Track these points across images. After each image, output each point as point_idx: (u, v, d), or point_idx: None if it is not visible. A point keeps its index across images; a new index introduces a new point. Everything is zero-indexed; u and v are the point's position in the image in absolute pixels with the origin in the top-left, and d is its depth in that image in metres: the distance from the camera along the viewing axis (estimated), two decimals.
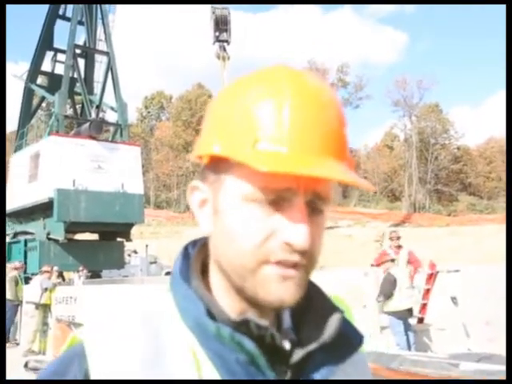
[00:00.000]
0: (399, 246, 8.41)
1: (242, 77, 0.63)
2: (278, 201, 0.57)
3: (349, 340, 0.68)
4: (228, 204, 0.60)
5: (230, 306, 0.62)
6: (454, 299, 8.33)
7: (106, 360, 0.57)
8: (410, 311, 7.41)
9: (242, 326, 0.59)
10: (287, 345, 0.64)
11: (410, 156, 58.84)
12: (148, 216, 31.31)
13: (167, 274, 24.87)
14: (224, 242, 0.60)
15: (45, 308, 10.54)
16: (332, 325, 0.63)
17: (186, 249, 0.68)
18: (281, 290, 0.58)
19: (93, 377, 0.57)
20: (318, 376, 0.63)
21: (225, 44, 19.77)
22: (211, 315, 0.60)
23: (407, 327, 7.41)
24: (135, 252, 25.52)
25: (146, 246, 22.69)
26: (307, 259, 0.59)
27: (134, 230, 21.72)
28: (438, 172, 59.82)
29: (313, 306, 0.66)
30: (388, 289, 7.41)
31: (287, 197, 0.57)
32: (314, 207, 0.59)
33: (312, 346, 0.62)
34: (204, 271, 0.66)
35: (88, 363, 0.57)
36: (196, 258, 0.66)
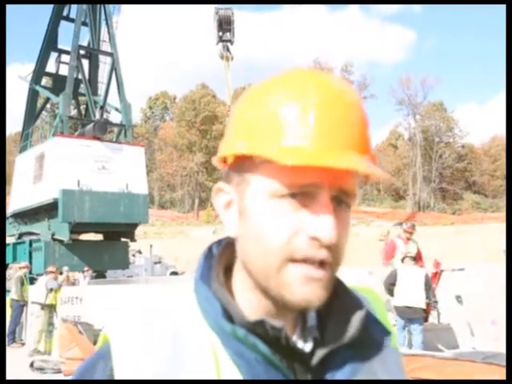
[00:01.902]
0: (409, 239, 8.42)
1: (266, 80, 0.64)
2: (303, 196, 0.58)
3: (376, 336, 0.68)
4: (254, 203, 0.60)
5: (255, 305, 0.63)
6: (458, 298, 8.31)
7: (130, 359, 0.59)
8: (413, 309, 7.29)
9: (258, 326, 0.59)
10: (310, 343, 0.64)
11: (414, 155, 58.71)
12: (152, 216, 31.37)
13: (172, 273, 24.96)
14: (251, 242, 0.61)
15: (50, 308, 10.57)
16: (354, 324, 0.63)
17: (209, 249, 0.69)
18: (306, 291, 0.58)
19: (117, 375, 0.59)
20: (340, 375, 0.63)
21: (228, 44, 19.75)
22: (229, 316, 0.61)
23: (413, 325, 7.35)
24: (140, 252, 25.60)
25: (151, 246, 22.80)
26: (333, 255, 0.59)
27: (139, 230, 21.76)
28: (443, 170, 59.68)
29: (338, 303, 0.66)
30: (386, 284, 7.46)
31: (313, 192, 0.58)
32: (340, 202, 0.60)
33: (332, 346, 0.62)
34: (229, 271, 0.67)
35: (113, 362, 0.60)
36: (220, 259, 0.67)
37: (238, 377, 0.59)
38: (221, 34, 19.61)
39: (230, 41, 19.77)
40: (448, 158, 60.22)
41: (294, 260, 0.58)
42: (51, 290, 10.53)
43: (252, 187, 0.61)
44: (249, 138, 0.60)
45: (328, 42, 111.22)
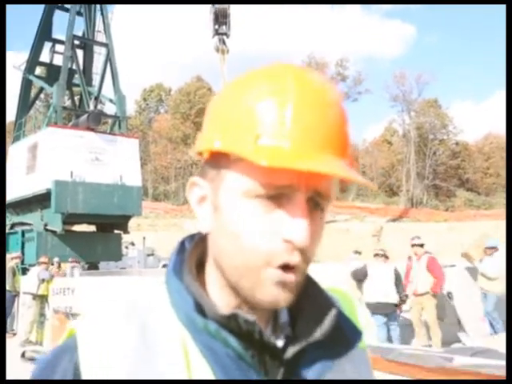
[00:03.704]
0: (416, 253, 8.14)
1: (245, 74, 0.62)
2: (278, 197, 0.57)
3: (346, 336, 0.68)
4: (228, 200, 0.59)
5: (225, 301, 0.62)
6: (449, 294, 8.38)
7: (97, 352, 0.57)
8: (384, 304, 7.39)
9: (231, 320, 0.59)
10: (281, 340, 0.64)
11: (408, 151, 58.86)
12: (146, 208, 31.32)
13: (164, 266, 24.88)
14: (225, 239, 0.59)
15: (42, 299, 10.56)
16: (326, 321, 0.62)
17: (182, 244, 0.68)
18: (276, 292, 0.58)
19: (83, 368, 0.57)
20: (312, 372, 0.63)
21: (224, 37, 19.69)
22: (201, 310, 0.60)
23: (390, 320, 7.45)
24: (133, 244, 25.53)
25: (144, 238, 22.71)
26: (305, 258, 0.58)
27: (132, 222, 21.73)
28: (436, 167, 59.87)
29: (309, 301, 0.66)
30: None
31: (288, 193, 0.57)
32: (316, 204, 0.59)
33: (304, 343, 0.62)
34: (201, 266, 0.66)
35: (79, 355, 0.58)
36: (192, 253, 0.66)
37: (208, 371, 0.58)
38: (217, 27, 19.55)
39: (225, 34, 19.70)
40: (442, 154, 60.39)
41: (270, 265, 0.57)
42: (43, 280, 10.51)
43: (226, 184, 0.59)
44: (225, 134, 0.58)
45: (326, 36, 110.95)
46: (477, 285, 8.43)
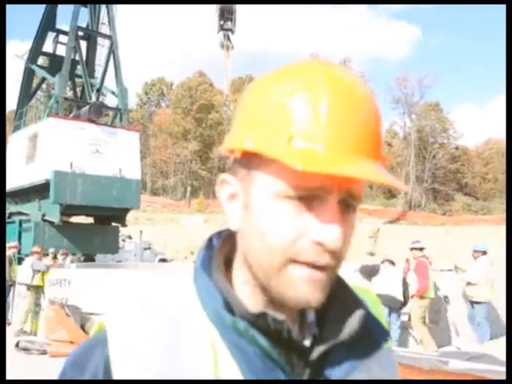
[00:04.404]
0: (415, 257, 8.24)
1: (273, 71, 0.61)
2: (310, 198, 0.56)
3: (373, 336, 0.67)
4: (259, 200, 0.59)
5: (253, 299, 0.62)
6: (446, 298, 8.39)
7: (127, 346, 0.57)
8: (391, 297, 7.47)
9: (260, 319, 0.59)
10: (309, 339, 0.64)
11: (408, 154, 58.86)
12: (144, 202, 31.31)
13: (161, 260, 24.93)
14: (254, 238, 0.59)
15: (37, 289, 10.54)
16: (354, 321, 0.62)
17: (210, 240, 0.68)
18: (307, 291, 0.57)
19: (113, 362, 0.57)
20: (339, 372, 0.63)
21: (229, 33, 19.66)
22: (229, 308, 0.60)
23: (391, 321, 7.53)
24: (130, 237, 25.53)
25: (141, 231, 22.70)
26: (335, 259, 0.58)
27: (130, 216, 21.72)
28: (435, 171, 59.88)
29: (337, 300, 0.65)
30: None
31: (320, 195, 0.56)
32: (347, 205, 0.59)
33: (331, 343, 0.61)
34: (228, 263, 0.65)
35: (109, 349, 0.58)
36: (220, 250, 0.66)
37: (236, 369, 0.58)
38: (222, 22, 19.52)
39: (231, 30, 19.67)
40: (441, 158, 60.37)
41: (296, 261, 0.57)
42: (38, 271, 10.48)
43: (258, 184, 0.59)
44: (256, 133, 0.57)
45: (331, 36, 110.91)
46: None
